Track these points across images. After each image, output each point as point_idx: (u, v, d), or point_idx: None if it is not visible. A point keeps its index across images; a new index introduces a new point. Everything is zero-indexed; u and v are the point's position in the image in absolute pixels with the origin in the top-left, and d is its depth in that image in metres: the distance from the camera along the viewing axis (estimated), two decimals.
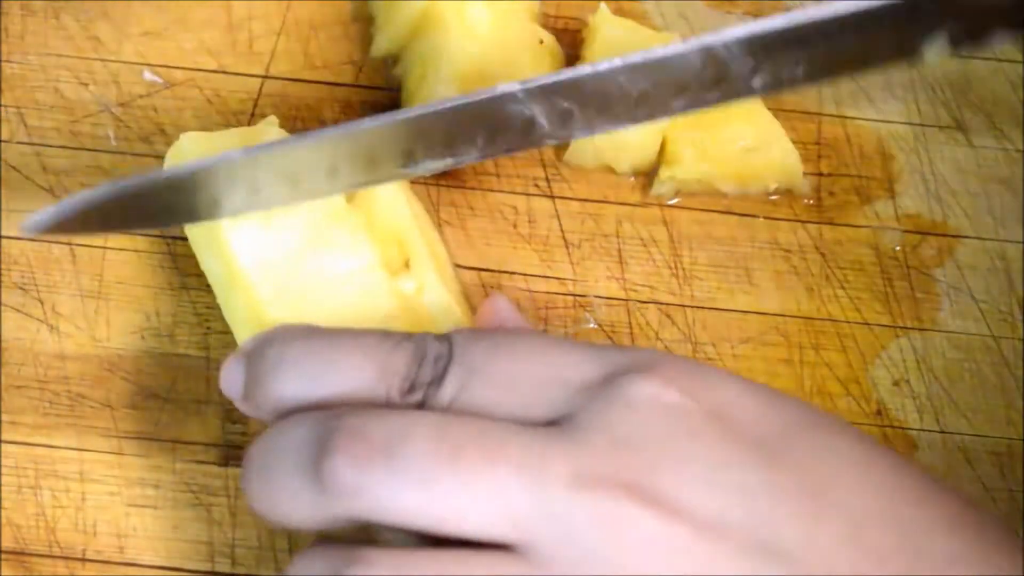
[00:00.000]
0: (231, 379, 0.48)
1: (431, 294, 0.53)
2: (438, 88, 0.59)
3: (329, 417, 0.44)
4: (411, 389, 0.45)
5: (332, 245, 0.53)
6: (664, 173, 0.60)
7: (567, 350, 0.46)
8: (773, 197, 0.61)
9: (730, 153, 0.60)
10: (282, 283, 0.51)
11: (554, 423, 0.44)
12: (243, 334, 0.52)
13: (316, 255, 0.53)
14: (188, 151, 0.54)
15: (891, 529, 0.44)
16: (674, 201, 0.61)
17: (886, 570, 0.44)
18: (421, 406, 0.45)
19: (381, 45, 0.63)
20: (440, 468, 0.42)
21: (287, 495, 0.44)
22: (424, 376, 0.45)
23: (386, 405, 0.45)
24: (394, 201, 0.55)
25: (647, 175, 0.61)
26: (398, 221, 0.55)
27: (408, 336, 0.47)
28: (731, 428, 0.45)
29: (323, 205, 0.53)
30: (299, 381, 0.46)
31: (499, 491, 0.42)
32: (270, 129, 0.56)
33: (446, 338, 0.46)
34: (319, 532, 0.46)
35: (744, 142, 0.60)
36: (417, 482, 0.42)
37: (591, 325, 0.59)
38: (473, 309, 0.58)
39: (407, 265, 0.54)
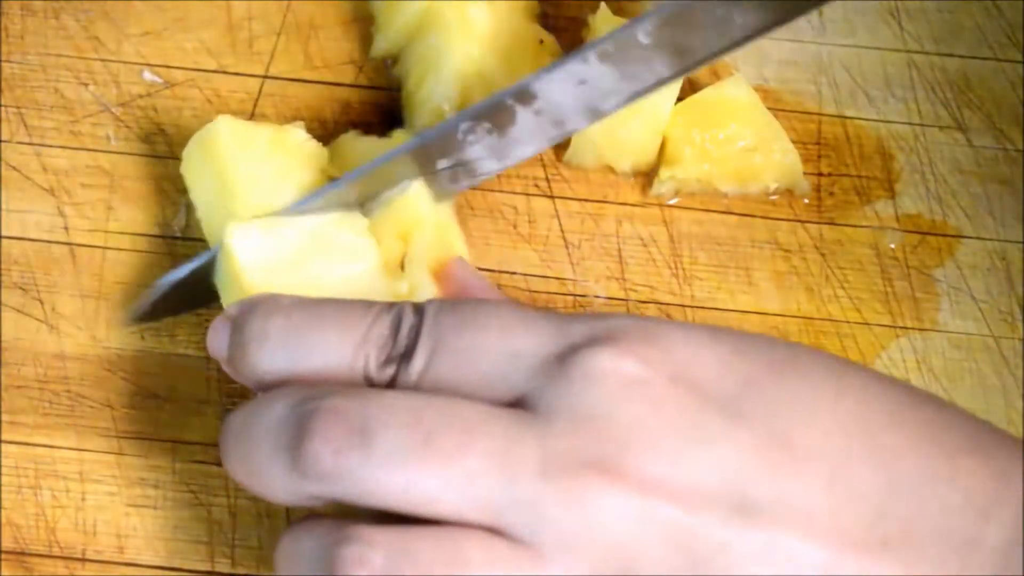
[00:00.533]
0: (217, 342, 0.49)
1: (423, 295, 0.54)
2: (438, 88, 0.59)
3: (307, 399, 0.45)
4: (387, 361, 0.46)
5: (333, 250, 0.53)
6: (664, 173, 0.60)
7: (530, 324, 0.46)
8: (773, 197, 0.61)
9: (730, 153, 0.60)
10: (283, 287, 0.51)
11: (520, 402, 0.45)
12: None
13: (318, 259, 0.53)
14: (223, 134, 0.55)
15: (865, 463, 0.44)
16: (674, 201, 0.61)
17: (866, 507, 0.43)
18: (395, 379, 0.46)
19: (381, 45, 0.63)
20: (414, 455, 0.43)
21: (265, 473, 0.45)
22: (398, 348, 0.46)
23: (364, 378, 0.46)
24: (416, 198, 0.55)
25: (647, 175, 0.61)
26: (417, 210, 0.55)
27: (389, 306, 0.47)
28: (693, 390, 0.44)
29: (329, 209, 0.54)
30: (278, 356, 0.47)
31: (470, 479, 0.43)
32: (297, 132, 0.57)
33: (420, 308, 0.47)
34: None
35: (744, 142, 0.60)
36: (391, 468, 0.43)
37: None
38: None
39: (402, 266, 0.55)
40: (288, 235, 0.53)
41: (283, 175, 0.56)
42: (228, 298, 0.54)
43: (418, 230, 0.55)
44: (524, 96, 0.54)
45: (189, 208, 0.58)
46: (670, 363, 0.45)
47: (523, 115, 0.55)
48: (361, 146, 0.59)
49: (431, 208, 0.56)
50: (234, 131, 0.56)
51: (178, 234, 0.58)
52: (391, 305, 0.47)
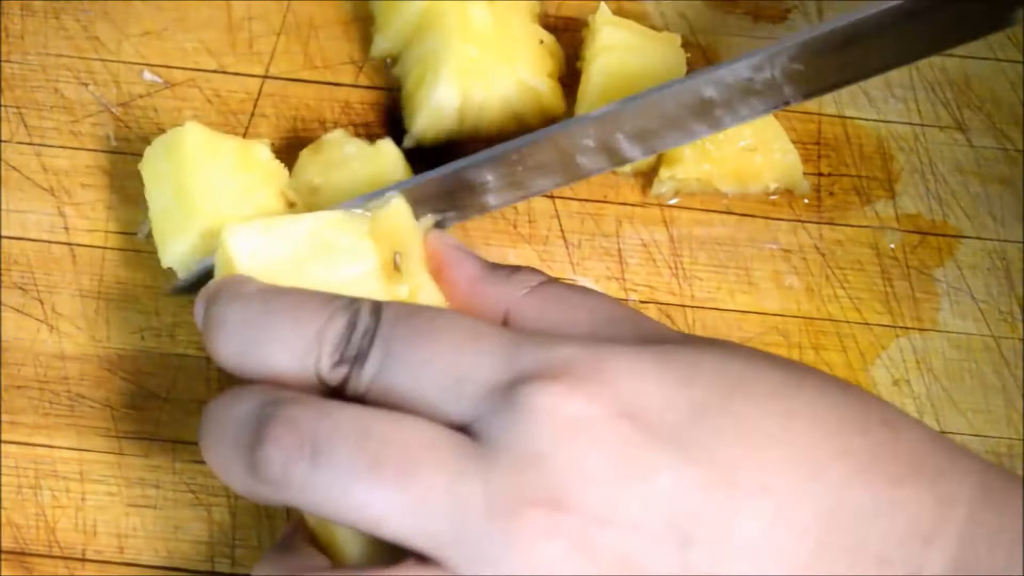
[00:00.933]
0: (197, 317, 0.49)
1: (425, 297, 0.53)
2: (437, 89, 0.59)
3: (267, 403, 0.45)
4: (339, 363, 0.46)
5: (333, 252, 0.53)
6: (664, 173, 0.60)
7: (482, 345, 0.46)
8: (773, 197, 0.61)
9: (730, 153, 0.60)
10: None
11: (466, 428, 0.45)
12: None
13: (316, 261, 0.53)
14: (190, 140, 0.55)
15: (810, 497, 0.44)
16: (674, 201, 0.61)
17: (809, 541, 0.43)
18: (346, 381, 0.46)
19: (381, 46, 0.63)
20: (360, 477, 0.44)
21: (228, 467, 0.46)
22: (350, 351, 0.46)
23: (315, 376, 0.46)
24: (400, 204, 0.55)
25: (647, 175, 0.61)
26: (401, 223, 0.55)
27: (346, 304, 0.47)
28: (638, 425, 0.44)
29: (327, 212, 0.54)
30: (233, 345, 0.47)
31: (414, 509, 0.43)
32: (263, 149, 0.57)
33: (376, 310, 0.47)
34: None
35: (744, 142, 0.60)
36: (339, 485, 0.44)
37: None
38: None
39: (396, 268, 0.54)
40: (287, 236, 0.53)
41: (244, 190, 0.56)
42: None
43: (411, 234, 0.55)
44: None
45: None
46: (616, 397, 0.44)
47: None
48: (347, 150, 0.59)
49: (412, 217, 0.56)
50: (201, 139, 0.56)
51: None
52: (350, 303, 0.47)
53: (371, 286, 0.53)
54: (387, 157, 0.58)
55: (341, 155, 0.58)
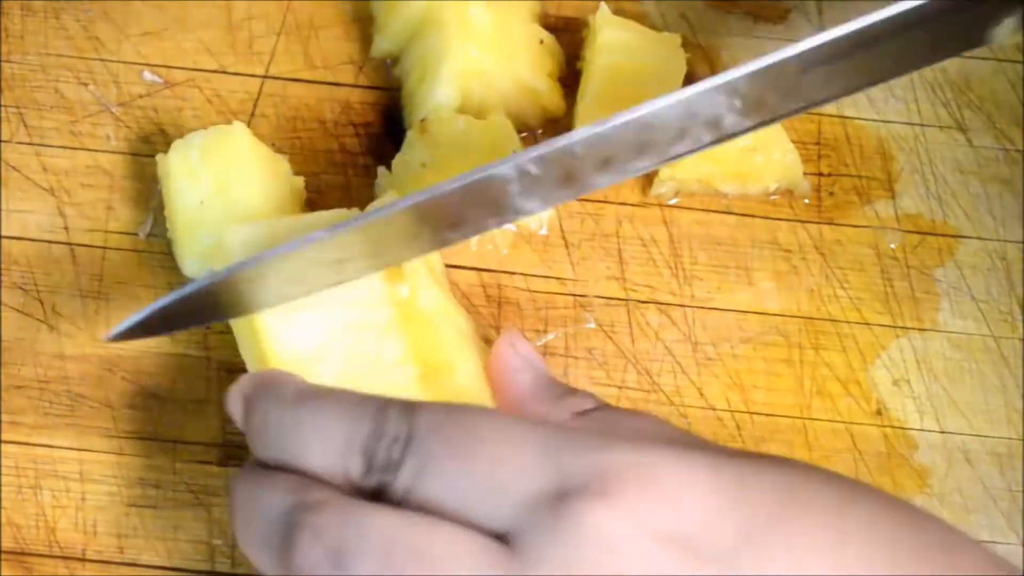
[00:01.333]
0: (233, 411, 0.49)
1: (425, 297, 0.53)
2: (437, 89, 0.59)
3: (295, 505, 0.45)
4: (370, 471, 0.45)
5: None
6: (664, 173, 0.60)
7: (522, 451, 0.44)
8: (773, 197, 0.61)
9: (730, 153, 0.60)
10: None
11: (504, 536, 0.43)
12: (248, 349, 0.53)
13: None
14: (240, 141, 0.56)
15: None
16: (674, 201, 0.61)
17: None
18: (380, 488, 0.45)
19: (381, 46, 0.63)
20: None
21: (257, 554, 0.45)
22: (380, 459, 0.45)
23: (350, 483, 0.45)
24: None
25: (647, 176, 0.61)
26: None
27: (376, 410, 0.46)
28: (685, 548, 0.43)
29: (327, 212, 0.54)
30: (273, 449, 0.46)
31: None
32: (284, 163, 0.58)
33: (408, 416, 0.45)
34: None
35: (744, 142, 0.60)
36: None
37: (591, 325, 0.59)
38: (469, 309, 0.58)
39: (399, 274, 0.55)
40: (286, 234, 0.53)
41: (271, 200, 0.57)
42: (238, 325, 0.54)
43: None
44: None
45: (157, 215, 0.58)
46: (664, 516, 0.43)
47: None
48: (456, 126, 0.59)
49: None
50: (248, 142, 0.57)
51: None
52: (377, 409, 0.46)
53: (371, 285, 0.53)
54: (500, 131, 0.58)
55: (450, 132, 0.58)
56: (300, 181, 0.59)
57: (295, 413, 0.46)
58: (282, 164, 0.59)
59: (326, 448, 0.45)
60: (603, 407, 0.51)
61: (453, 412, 0.45)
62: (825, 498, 0.44)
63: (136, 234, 0.59)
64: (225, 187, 0.56)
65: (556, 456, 0.44)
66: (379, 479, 0.44)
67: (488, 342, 0.57)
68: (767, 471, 0.45)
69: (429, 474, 0.44)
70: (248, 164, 0.57)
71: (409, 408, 0.45)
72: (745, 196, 0.61)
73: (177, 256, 0.57)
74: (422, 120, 0.59)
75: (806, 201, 0.61)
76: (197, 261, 0.56)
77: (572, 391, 0.52)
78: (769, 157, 0.60)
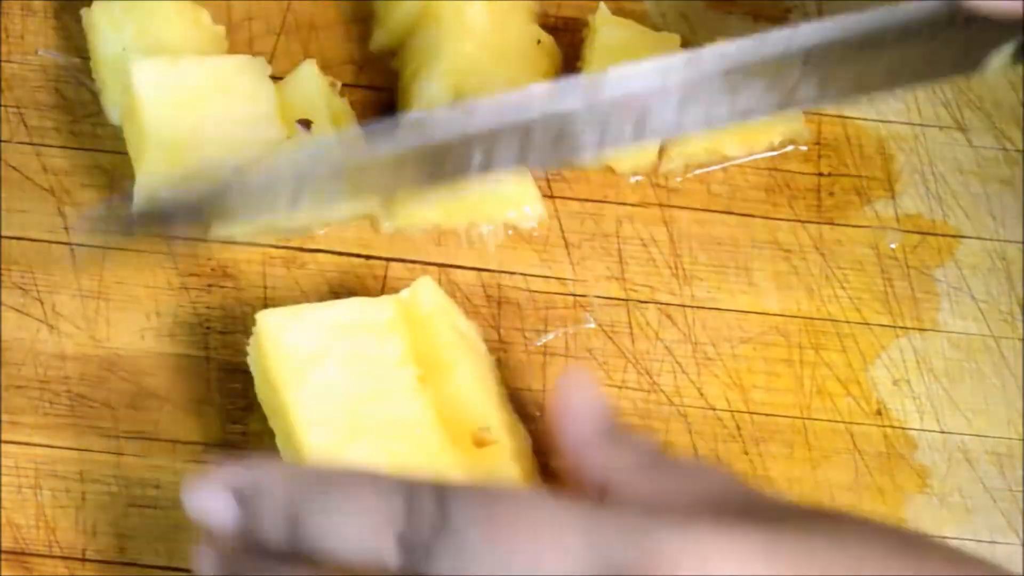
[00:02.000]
0: (216, 511, 0.45)
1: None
2: (431, 85, 0.59)
3: None
4: (404, 557, 0.43)
5: (235, 91, 0.56)
6: (673, 150, 0.60)
7: (566, 534, 0.42)
8: (780, 152, 0.61)
9: None
10: (181, 123, 0.55)
11: None
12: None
13: (218, 99, 0.56)
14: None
15: None
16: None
17: None
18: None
19: (380, 40, 0.63)
20: None
21: None
22: (414, 547, 0.42)
23: (381, 571, 0.43)
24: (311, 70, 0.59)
25: (647, 175, 0.61)
26: (310, 90, 0.59)
27: (406, 494, 0.43)
28: None
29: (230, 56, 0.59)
30: (287, 537, 0.44)
31: None
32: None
33: (441, 501, 0.43)
34: None
35: None
36: None
37: (591, 325, 0.59)
38: (469, 309, 0.58)
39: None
40: (191, 74, 0.56)
41: (192, 46, 0.60)
42: (128, 131, 0.58)
43: (323, 100, 0.58)
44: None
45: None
46: None
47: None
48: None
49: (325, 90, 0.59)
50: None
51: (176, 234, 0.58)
52: (413, 490, 0.43)
53: (270, 126, 0.56)
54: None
55: None
56: (221, 30, 0.61)
57: (319, 497, 0.44)
58: (203, 14, 0.61)
59: (357, 534, 0.43)
60: (663, 452, 0.49)
61: (488, 496, 0.43)
62: (886, 558, 0.43)
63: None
64: (145, 32, 0.59)
65: (600, 542, 0.41)
66: (414, 568, 0.42)
67: (490, 344, 0.57)
68: (824, 537, 0.43)
69: (467, 563, 0.42)
70: (169, 12, 0.59)
71: (441, 492, 0.43)
72: (746, 196, 0.61)
73: (104, 105, 0.60)
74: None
75: (806, 201, 0.61)
76: (121, 107, 0.59)
77: (632, 433, 0.50)
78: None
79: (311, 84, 0.59)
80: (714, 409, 0.57)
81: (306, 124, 0.57)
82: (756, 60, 0.49)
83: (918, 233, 0.61)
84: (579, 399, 0.51)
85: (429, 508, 0.42)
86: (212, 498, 0.45)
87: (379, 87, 0.63)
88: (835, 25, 0.49)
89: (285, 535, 0.44)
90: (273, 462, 0.47)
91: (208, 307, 0.58)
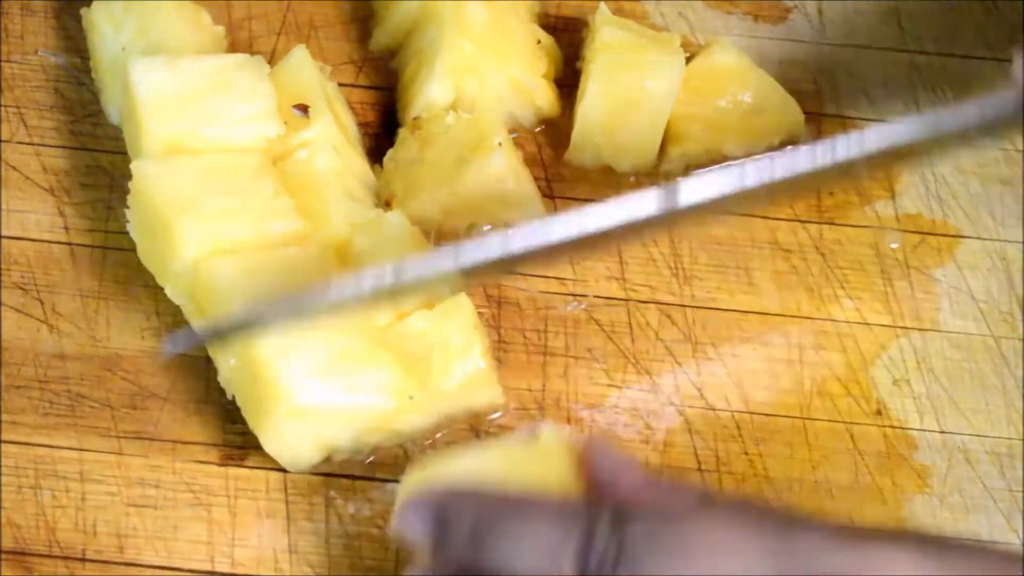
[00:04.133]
0: (412, 522, 0.48)
1: (321, 159, 0.57)
2: (430, 85, 0.59)
3: None
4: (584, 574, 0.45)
5: (234, 89, 0.56)
6: (674, 151, 0.60)
7: (741, 548, 0.44)
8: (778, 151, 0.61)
9: (734, 118, 0.60)
10: (180, 122, 0.56)
11: None
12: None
13: (217, 97, 0.56)
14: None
15: None
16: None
17: None
18: None
19: (380, 40, 0.63)
20: None
21: None
22: (592, 570, 0.45)
23: None
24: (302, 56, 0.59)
25: (647, 175, 0.61)
26: (303, 75, 0.59)
27: (585, 519, 0.45)
28: None
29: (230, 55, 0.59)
30: (472, 559, 0.46)
31: None
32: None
33: (619, 527, 0.45)
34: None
35: (746, 101, 0.60)
36: None
37: (591, 325, 0.59)
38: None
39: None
40: (190, 73, 0.56)
41: (191, 46, 0.60)
42: (128, 133, 0.58)
43: (316, 85, 0.58)
44: None
45: None
46: None
47: None
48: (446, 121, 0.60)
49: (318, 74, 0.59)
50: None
51: None
52: (593, 515, 0.45)
53: (269, 124, 0.56)
54: (484, 126, 0.58)
55: (439, 128, 0.59)
56: (221, 30, 0.61)
57: (504, 522, 0.46)
58: (202, 14, 0.61)
59: (537, 558, 0.45)
60: (713, 497, 0.50)
61: (664, 522, 0.45)
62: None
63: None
64: (145, 33, 0.59)
65: (788, 546, 0.44)
66: None
67: (490, 344, 0.57)
68: (961, 551, 0.45)
69: None
70: (169, 12, 0.60)
71: (619, 518, 0.45)
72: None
73: (104, 105, 0.61)
74: (414, 119, 0.59)
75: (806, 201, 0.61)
76: (121, 107, 0.59)
77: (673, 486, 0.51)
78: (772, 115, 0.61)
79: (303, 69, 0.59)
80: (714, 409, 0.57)
81: (303, 108, 0.57)
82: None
83: (918, 233, 0.61)
84: (616, 458, 0.51)
85: (608, 533, 0.45)
86: (417, 520, 0.48)
87: (379, 87, 0.63)
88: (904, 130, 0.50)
89: (472, 556, 0.46)
90: (467, 487, 0.49)
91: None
